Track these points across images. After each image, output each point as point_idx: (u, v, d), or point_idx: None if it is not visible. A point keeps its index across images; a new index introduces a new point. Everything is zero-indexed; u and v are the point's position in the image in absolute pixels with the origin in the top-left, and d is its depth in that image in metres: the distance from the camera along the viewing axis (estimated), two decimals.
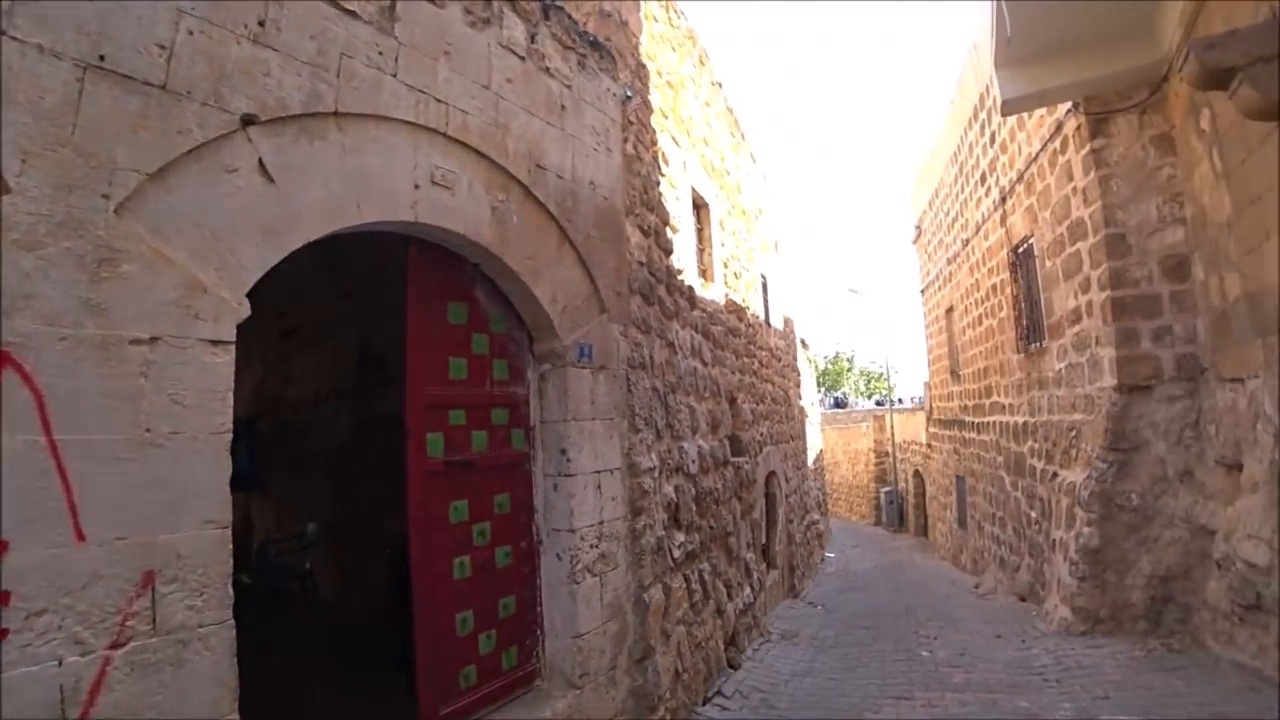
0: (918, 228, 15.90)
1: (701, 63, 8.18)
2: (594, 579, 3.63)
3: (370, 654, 4.54)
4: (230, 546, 2.16)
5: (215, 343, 2.17)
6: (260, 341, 7.19)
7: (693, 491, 4.99)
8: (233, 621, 2.15)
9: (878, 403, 38.72)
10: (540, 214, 3.61)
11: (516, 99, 3.56)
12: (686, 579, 4.70)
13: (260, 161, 2.40)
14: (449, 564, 3.14)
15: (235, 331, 2.23)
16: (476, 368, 3.40)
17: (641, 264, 4.72)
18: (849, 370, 49.14)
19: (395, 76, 2.90)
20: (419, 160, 2.95)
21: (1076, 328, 6.93)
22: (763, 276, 10.78)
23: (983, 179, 10.07)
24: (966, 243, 11.26)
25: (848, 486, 23.20)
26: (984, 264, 10.37)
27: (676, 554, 4.50)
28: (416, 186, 2.92)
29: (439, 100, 3.09)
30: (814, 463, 15.63)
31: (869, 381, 48.47)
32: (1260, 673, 4.19)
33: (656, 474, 4.29)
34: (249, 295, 2.31)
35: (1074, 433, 6.93)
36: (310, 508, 6.45)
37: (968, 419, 11.70)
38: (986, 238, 10.12)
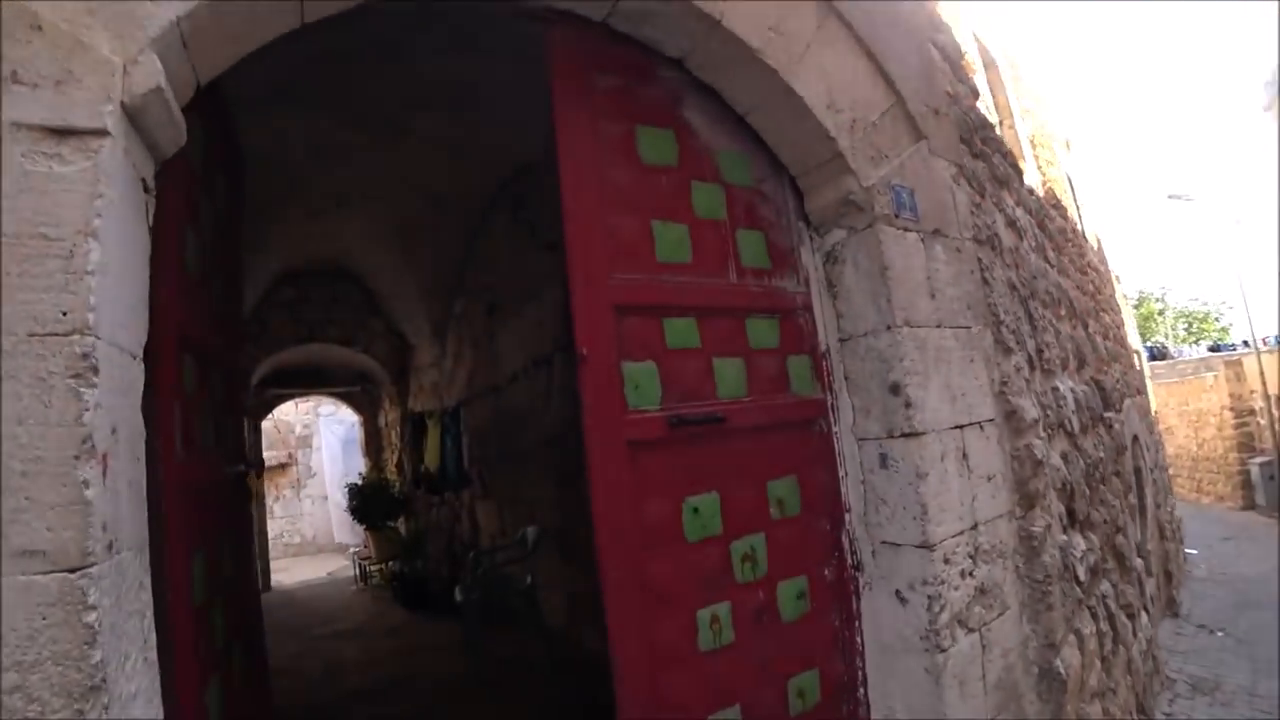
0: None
1: None
2: (970, 637, 1.85)
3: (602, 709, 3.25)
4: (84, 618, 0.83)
5: (59, 132, 0.87)
6: (468, 326, 6.51)
7: (1081, 464, 2.94)
8: None
9: (1211, 348, 30.15)
10: None
11: None
12: (1094, 616, 2.70)
13: None
14: (689, 620, 1.60)
15: (118, 117, 0.92)
16: (707, 243, 1.83)
17: (949, 95, 2.83)
18: (1160, 314, 39.02)
19: None
20: None
21: None
22: (1068, 177, 7.99)
23: None
24: None
25: (1190, 458, 17.78)
26: None
27: (1081, 574, 2.53)
28: None
29: None
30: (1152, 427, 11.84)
31: (1191, 324, 38.18)
32: None
33: (1041, 431, 2.37)
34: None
35: None
36: (531, 508, 5.44)
37: None
38: None
